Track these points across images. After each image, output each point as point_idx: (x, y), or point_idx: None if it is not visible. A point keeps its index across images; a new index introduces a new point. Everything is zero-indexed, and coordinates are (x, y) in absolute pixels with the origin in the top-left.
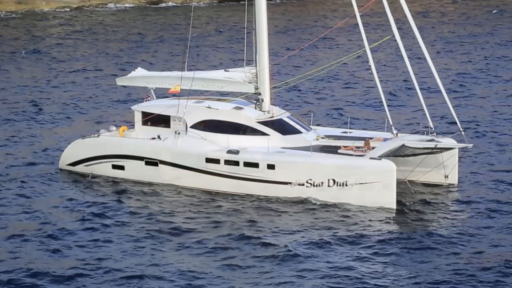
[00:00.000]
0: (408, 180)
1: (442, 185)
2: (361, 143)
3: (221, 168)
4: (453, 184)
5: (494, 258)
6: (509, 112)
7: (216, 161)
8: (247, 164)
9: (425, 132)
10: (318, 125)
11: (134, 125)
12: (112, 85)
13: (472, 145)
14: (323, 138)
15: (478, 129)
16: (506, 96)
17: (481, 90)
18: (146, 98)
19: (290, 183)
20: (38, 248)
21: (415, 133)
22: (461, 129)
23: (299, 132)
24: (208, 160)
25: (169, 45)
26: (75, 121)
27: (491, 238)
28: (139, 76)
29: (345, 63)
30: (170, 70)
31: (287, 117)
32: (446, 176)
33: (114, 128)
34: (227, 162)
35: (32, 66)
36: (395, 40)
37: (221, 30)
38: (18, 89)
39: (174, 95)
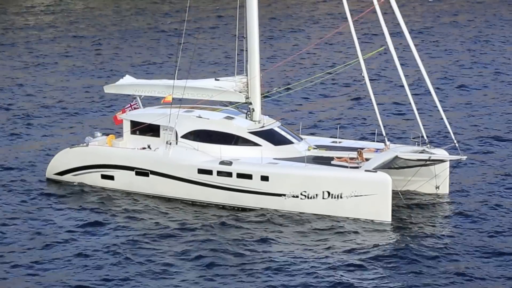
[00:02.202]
0: (399, 191)
1: (433, 195)
2: (354, 154)
3: (214, 179)
4: (444, 195)
5: (489, 269)
6: (501, 122)
7: (209, 172)
8: (240, 176)
9: (416, 143)
10: (310, 134)
11: (119, 131)
12: (93, 88)
13: (466, 157)
14: (314, 148)
15: (469, 138)
16: (499, 106)
17: (474, 99)
18: (131, 106)
19: (284, 195)
20: (21, 258)
21: (407, 143)
22: (455, 141)
23: (290, 142)
24: (201, 171)
25: (157, 50)
26: (56, 126)
27: (485, 250)
28: (127, 84)
29: (337, 73)
30: (158, 77)
31: (278, 127)
32: (437, 187)
33: (99, 134)
34: (220, 173)
35: (5, 64)
36: (389, 51)
37: (214, 35)
38: None
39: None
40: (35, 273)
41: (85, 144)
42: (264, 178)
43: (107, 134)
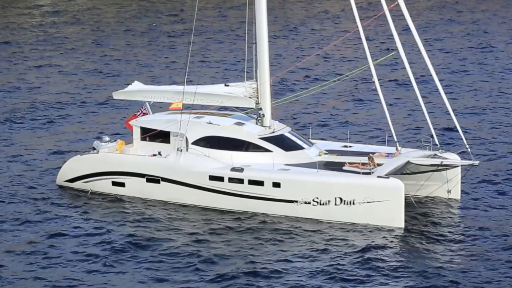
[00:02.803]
0: (411, 195)
1: (445, 200)
2: (365, 159)
3: (225, 186)
4: (456, 199)
5: (502, 275)
6: None
7: (220, 178)
8: (252, 182)
9: (428, 147)
10: (320, 138)
11: (123, 134)
12: (100, 92)
13: (478, 162)
14: (325, 153)
15: (482, 142)
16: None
17: (485, 103)
18: (142, 111)
19: (296, 201)
20: (31, 264)
21: (418, 147)
22: (467, 146)
23: (301, 148)
24: (212, 178)
25: (165, 55)
26: (61, 130)
27: (498, 257)
28: (136, 90)
29: (347, 79)
30: (166, 83)
31: (288, 132)
32: (449, 191)
33: (107, 138)
34: (231, 179)
35: (11, 67)
36: (400, 56)
37: (222, 40)
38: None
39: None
40: (45, 278)
41: (95, 151)
42: (276, 185)
43: (115, 140)
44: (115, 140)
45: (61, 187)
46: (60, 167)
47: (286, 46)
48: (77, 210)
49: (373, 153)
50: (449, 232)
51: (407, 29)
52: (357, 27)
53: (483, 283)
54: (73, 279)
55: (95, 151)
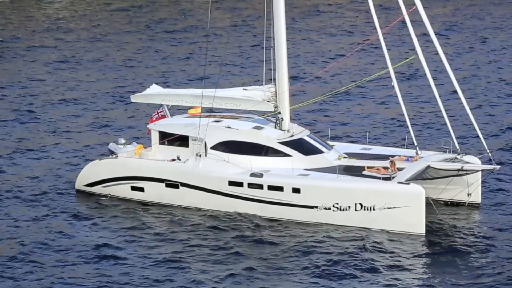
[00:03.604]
0: (431, 198)
1: (465, 203)
2: (385, 163)
3: (245, 191)
4: (476, 203)
5: None
6: None
7: (240, 184)
8: (271, 188)
9: (447, 150)
10: (338, 141)
11: (139, 138)
12: (115, 94)
13: (499, 167)
14: (345, 157)
15: (501, 147)
16: None
17: (505, 108)
18: (158, 113)
19: (316, 207)
20: (54, 268)
21: (438, 150)
22: (487, 150)
23: (321, 152)
24: (231, 183)
25: (181, 57)
26: (79, 134)
27: None
28: (155, 94)
29: (367, 82)
30: (183, 86)
31: (307, 135)
32: (469, 194)
33: (123, 141)
34: (251, 185)
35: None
36: (419, 60)
37: (240, 45)
38: (11, 92)
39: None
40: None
41: (114, 156)
42: (296, 190)
43: (131, 142)
44: (131, 143)
45: (79, 191)
46: (78, 171)
47: (305, 50)
48: (96, 214)
49: (392, 156)
50: (469, 238)
51: (426, 33)
52: (377, 32)
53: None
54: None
55: (114, 156)
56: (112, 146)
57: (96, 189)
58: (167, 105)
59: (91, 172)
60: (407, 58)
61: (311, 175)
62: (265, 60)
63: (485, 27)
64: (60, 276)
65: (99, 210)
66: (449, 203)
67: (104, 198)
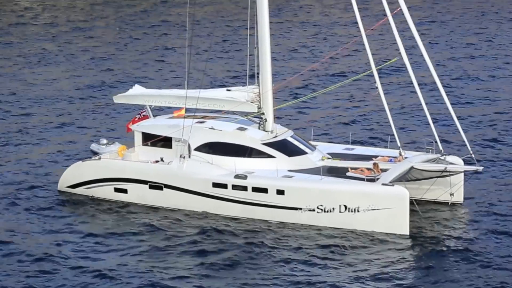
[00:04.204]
0: (414, 199)
1: (447, 203)
2: (368, 164)
3: (229, 193)
4: (458, 203)
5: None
6: None
7: (224, 186)
8: (255, 190)
9: (430, 150)
10: (321, 141)
11: (121, 138)
12: (98, 94)
13: (482, 168)
14: (328, 158)
15: (484, 147)
16: None
17: (488, 109)
18: (141, 113)
19: (300, 208)
20: (33, 271)
21: (419, 149)
22: (471, 152)
23: (304, 152)
24: (215, 185)
25: (163, 57)
26: (61, 135)
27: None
28: (138, 94)
29: (350, 84)
30: (165, 86)
31: (291, 136)
32: (452, 194)
33: (104, 141)
34: (235, 187)
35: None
36: (403, 61)
37: (223, 40)
38: None
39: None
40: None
41: (97, 157)
42: (280, 192)
43: (113, 142)
44: (113, 143)
45: (62, 192)
46: (61, 173)
47: (288, 51)
48: (78, 216)
49: (375, 157)
50: (452, 238)
51: (411, 35)
52: (360, 33)
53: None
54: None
55: (97, 157)
56: (94, 146)
57: (79, 191)
58: (150, 106)
59: (74, 173)
60: (391, 59)
61: (295, 177)
62: (249, 61)
63: (472, 27)
64: (40, 278)
65: (81, 211)
66: (431, 203)
67: (87, 200)
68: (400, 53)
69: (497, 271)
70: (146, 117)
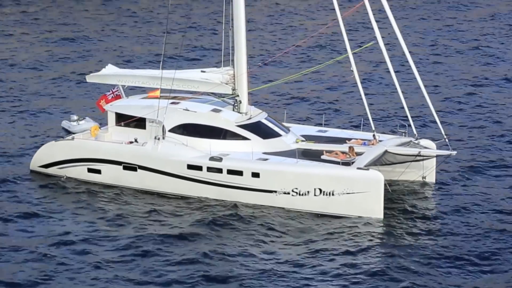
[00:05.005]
0: (386, 182)
1: (420, 186)
2: (343, 147)
3: (204, 175)
4: (431, 185)
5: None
6: (487, 113)
7: (199, 168)
8: (230, 172)
9: (404, 134)
10: (295, 122)
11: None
12: (70, 74)
13: (455, 152)
14: (302, 140)
15: (458, 131)
16: (489, 99)
17: (462, 91)
18: (113, 92)
19: (275, 191)
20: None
21: (393, 132)
22: (445, 136)
23: (279, 135)
24: (190, 167)
25: (138, 38)
26: (32, 114)
27: (480, 242)
28: (111, 74)
29: (326, 68)
30: (140, 66)
31: (265, 118)
32: (424, 177)
33: (75, 117)
34: (210, 169)
35: None
36: (379, 46)
37: (199, 23)
38: None
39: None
40: (15, 265)
41: (70, 138)
42: (255, 175)
43: (83, 118)
44: (83, 118)
45: (34, 172)
46: (33, 152)
47: (264, 33)
48: (50, 195)
49: (349, 139)
50: (425, 220)
51: (386, 18)
52: (337, 16)
53: (464, 270)
54: (43, 270)
55: (70, 137)
56: (65, 123)
57: (52, 171)
58: (123, 86)
59: (47, 153)
60: (367, 43)
61: (271, 160)
62: (224, 43)
63: (447, 10)
64: (16, 260)
65: (54, 192)
66: (403, 186)
67: (59, 180)
68: (375, 37)
69: (464, 243)
70: (118, 96)
